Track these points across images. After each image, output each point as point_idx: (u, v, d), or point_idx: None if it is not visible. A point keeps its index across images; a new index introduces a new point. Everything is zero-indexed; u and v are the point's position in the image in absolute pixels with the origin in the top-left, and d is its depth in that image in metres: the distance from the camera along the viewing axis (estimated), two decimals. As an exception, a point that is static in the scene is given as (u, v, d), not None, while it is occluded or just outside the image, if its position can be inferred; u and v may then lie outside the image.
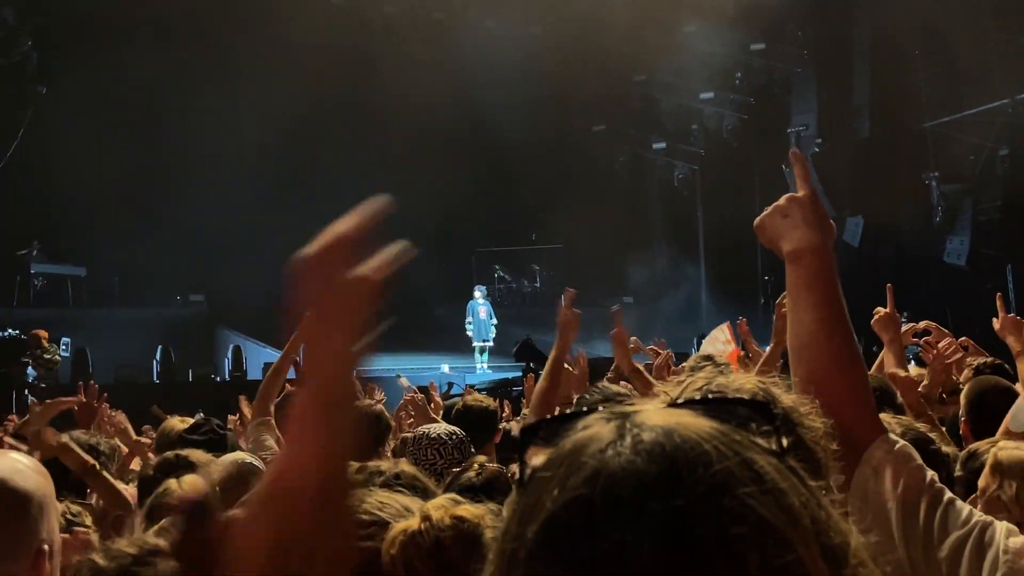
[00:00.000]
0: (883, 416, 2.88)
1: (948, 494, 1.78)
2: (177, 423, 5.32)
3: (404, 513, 2.00)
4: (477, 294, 21.77)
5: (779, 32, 22.05)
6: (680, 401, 0.89)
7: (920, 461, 1.79)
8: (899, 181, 20.43)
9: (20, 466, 2.03)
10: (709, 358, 5.28)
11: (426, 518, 1.93)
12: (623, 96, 24.63)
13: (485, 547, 1.88)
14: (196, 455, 3.66)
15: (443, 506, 1.97)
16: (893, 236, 22.04)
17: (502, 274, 25.80)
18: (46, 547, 1.95)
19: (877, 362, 5.33)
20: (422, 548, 1.89)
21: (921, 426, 2.96)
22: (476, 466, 3.32)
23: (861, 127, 21.61)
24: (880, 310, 4.79)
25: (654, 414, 0.84)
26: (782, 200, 2.01)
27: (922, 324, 5.54)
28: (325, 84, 21.13)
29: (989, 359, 5.90)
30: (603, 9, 19.92)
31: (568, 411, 0.89)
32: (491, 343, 21.16)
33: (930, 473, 1.79)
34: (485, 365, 20.97)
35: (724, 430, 0.82)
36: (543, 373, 4.36)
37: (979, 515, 1.78)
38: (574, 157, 24.20)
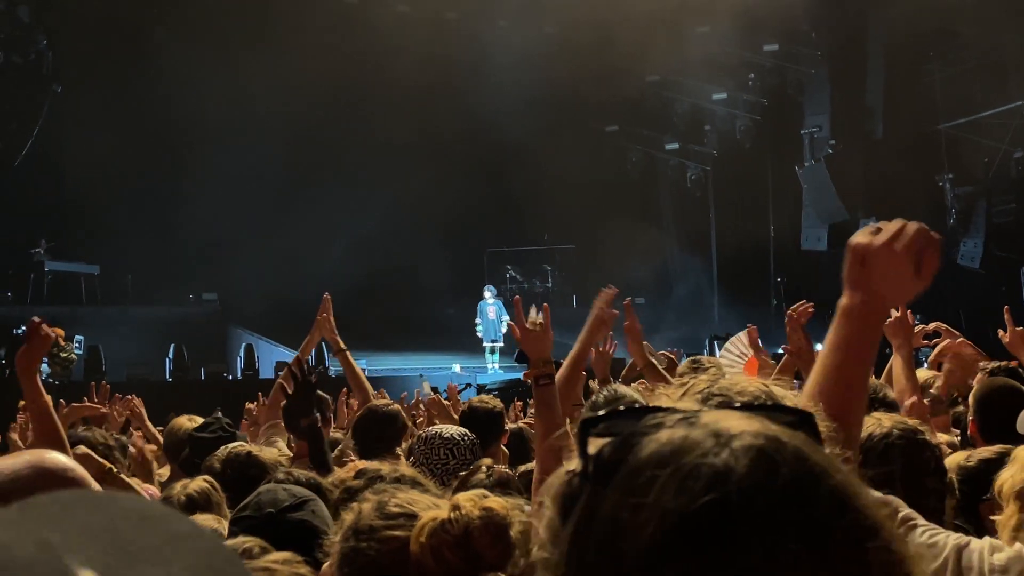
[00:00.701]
0: (876, 414, 2.88)
1: (917, 522, 1.77)
2: (185, 421, 5.34)
3: (432, 507, 2.02)
4: (487, 294, 21.76)
5: (792, 33, 21.99)
6: (722, 406, 0.91)
7: (896, 501, 1.79)
8: (913, 183, 20.36)
9: (68, 457, 2.12)
10: (698, 362, 5.26)
11: (455, 508, 1.95)
12: (636, 96, 24.59)
13: (513, 538, 1.90)
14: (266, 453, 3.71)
15: (472, 498, 1.99)
16: (907, 238, 21.94)
17: (514, 274, 25.80)
18: None
19: (888, 367, 5.29)
20: (451, 536, 1.90)
21: (912, 421, 2.94)
22: (484, 468, 3.32)
23: (875, 128, 21.55)
24: (892, 313, 4.76)
25: (724, 417, 0.85)
26: (884, 236, 1.80)
27: (932, 326, 5.51)
28: (337, 83, 21.18)
29: (1003, 363, 5.86)
30: (616, 9, 19.90)
31: (628, 407, 0.89)
32: (501, 343, 21.15)
33: (904, 511, 1.78)
34: (496, 365, 20.97)
35: (812, 443, 0.84)
36: (563, 365, 4.33)
37: (947, 538, 1.77)
38: (586, 157, 24.19)
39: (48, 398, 3.45)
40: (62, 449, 3.32)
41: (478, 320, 21.39)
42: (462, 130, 22.35)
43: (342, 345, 5.82)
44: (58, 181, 21.75)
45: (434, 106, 22.12)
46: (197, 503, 3.03)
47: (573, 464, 0.88)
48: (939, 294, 21.55)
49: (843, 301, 1.80)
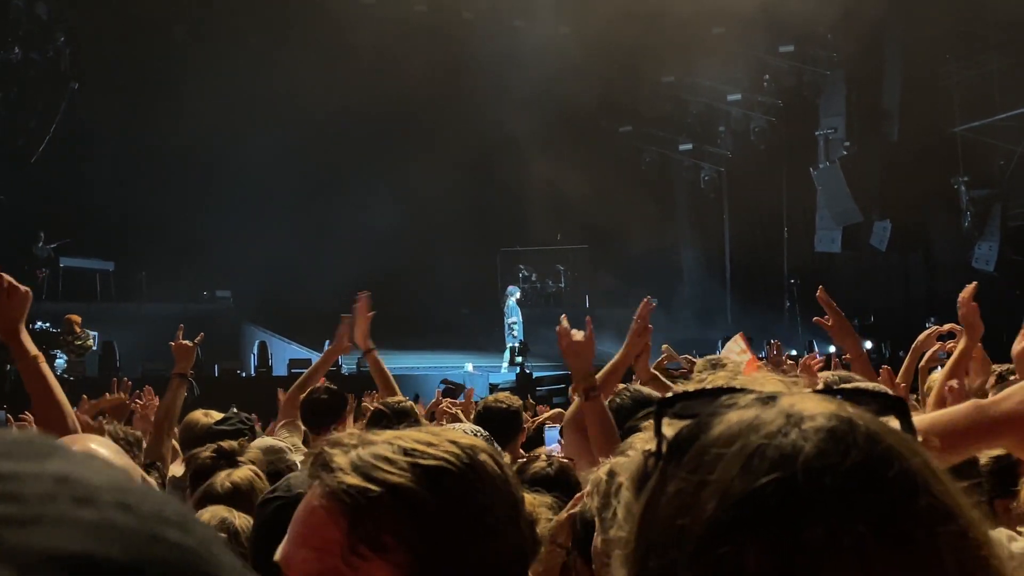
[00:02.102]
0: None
1: None
2: (201, 416, 5.35)
3: None
4: (518, 295, 21.61)
5: (809, 34, 21.93)
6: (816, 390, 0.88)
7: None
8: (928, 185, 20.28)
9: (111, 450, 2.08)
10: (716, 361, 5.21)
11: None
12: (650, 97, 24.57)
13: (538, 534, 1.91)
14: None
15: None
16: (921, 241, 21.89)
17: (527, 274, 25.80)
18: None
19: (951, 363, 5.12)
20: None
21: None
22: (544, 456, 3.30)
23: (890, 131, 21.46)
24: (967, 295, 4.63)
25: (801, 399, 0.84)
26: None
27: (947, 327, 5.48)
28: (351, 83, 21.22)
29: (1010, 365, 5.84)
30: (631, 10, 19.87)
31: (701, 388, 0.89)
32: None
33: None
34: (507, 366, 20.92)
35: (889, 426, 0.83)
36: (603, 372, 4.27)
37: None
38: (600, 157, 24.18)
39: (39, 355, 3.33)
40: (65, 420, 3.30)
41: (514, 319, 21.19)
42: (477, 129, 22.36)
43: (371, 344, 5.79)
44: (75, 178, 21.85)
45: (448, 105, 22.15)
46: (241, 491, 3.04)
47: (650, 444, 0.89)
48: (954, 297, 21.45)
49: None
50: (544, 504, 2.03)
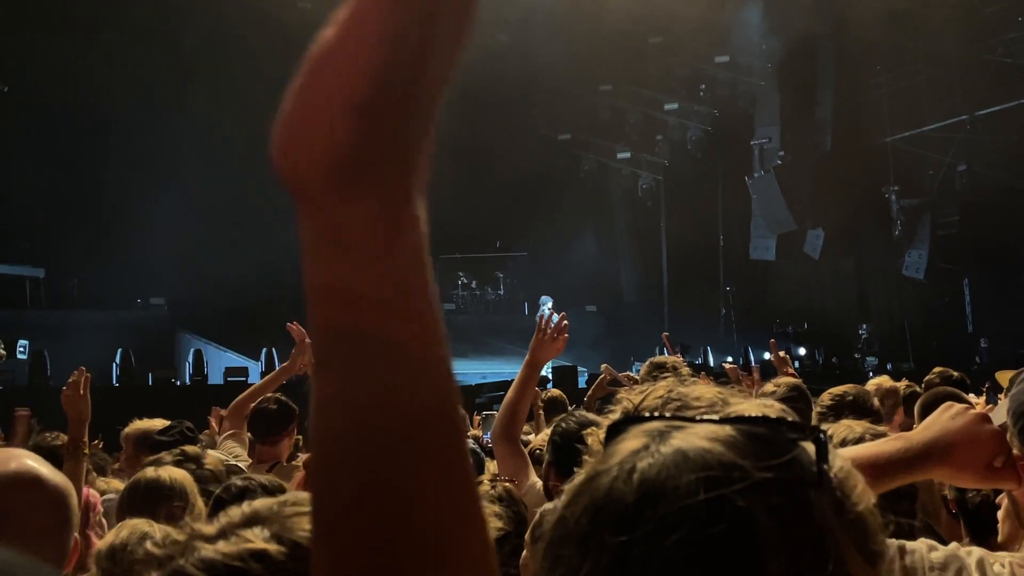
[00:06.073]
0: (846, 421, 2.93)
1: None
2: (140, 425, 5.27)
3: None
4: (550, 304, 21.46)
5: (744, 45, 22.26)
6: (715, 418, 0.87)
7: None
8: (860, 194, 20.70)
9: (44, 465, 2.05)
10: (661, 366, 5.17)
11: None
12: (589, 105, 24.73)
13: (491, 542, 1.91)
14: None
15: None
16: (853, 249, 22.32)
17: (466, 281, 25.77)
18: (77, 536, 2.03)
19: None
20: None
21: (883, 427, 3.00)
22: (487, 481, 3.32)
23: (823, 140, 21.86)
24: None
25: (685, 437, 0.82)
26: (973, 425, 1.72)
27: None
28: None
29: (937, 369, 5.98)
30: (569, 18, 20.01)
31: (642, 414, 0.91)
32: None
33: None
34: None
35: (727, 459, 0.78)
36: (513, 383, 4.27)
37: (890, 543, 1.78)
38: (539, 165, 24.27)
39: None
40: None
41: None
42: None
43: None
44: (2, 182, 21.35)
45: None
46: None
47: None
48: (885, 304, 21.92)
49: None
50: (493, 514, 2.03)
